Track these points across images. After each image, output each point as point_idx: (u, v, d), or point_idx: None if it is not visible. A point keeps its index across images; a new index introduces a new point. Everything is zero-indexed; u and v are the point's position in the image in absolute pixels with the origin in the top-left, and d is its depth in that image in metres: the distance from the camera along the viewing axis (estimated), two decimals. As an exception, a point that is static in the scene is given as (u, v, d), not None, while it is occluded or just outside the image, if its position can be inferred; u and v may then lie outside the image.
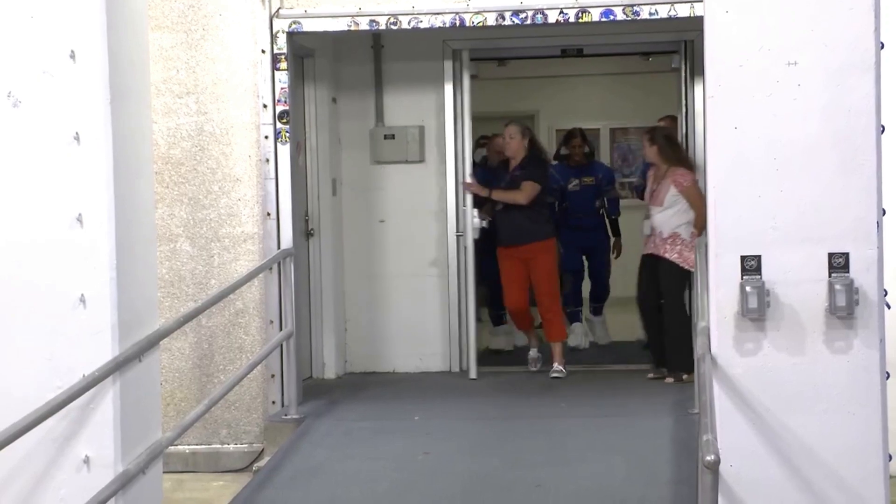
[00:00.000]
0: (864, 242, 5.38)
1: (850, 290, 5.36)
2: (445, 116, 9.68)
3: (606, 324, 11.15)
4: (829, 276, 5.41)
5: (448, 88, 9.70)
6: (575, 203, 10.77)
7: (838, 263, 5.40)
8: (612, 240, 11.01)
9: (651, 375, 9.13)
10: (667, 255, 8.90)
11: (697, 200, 8.63)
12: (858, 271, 5.39)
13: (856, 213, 5.38)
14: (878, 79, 5.36)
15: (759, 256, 5.44)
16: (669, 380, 8.96)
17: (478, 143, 11.27)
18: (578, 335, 10.76)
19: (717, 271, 5.49)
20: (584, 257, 10.94)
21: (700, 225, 8.68)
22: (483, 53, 10.33)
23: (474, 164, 10.19)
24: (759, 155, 5.43)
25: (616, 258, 11.06)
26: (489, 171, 10.38)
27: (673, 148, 9.12)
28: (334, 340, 9.80)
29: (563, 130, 14.93)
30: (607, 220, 11.01)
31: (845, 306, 5.36)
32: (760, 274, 5.43)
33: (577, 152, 10.87)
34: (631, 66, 13.75)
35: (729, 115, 5.46)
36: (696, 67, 9.46)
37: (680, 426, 7.66)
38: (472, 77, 9.73)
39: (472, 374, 9.42)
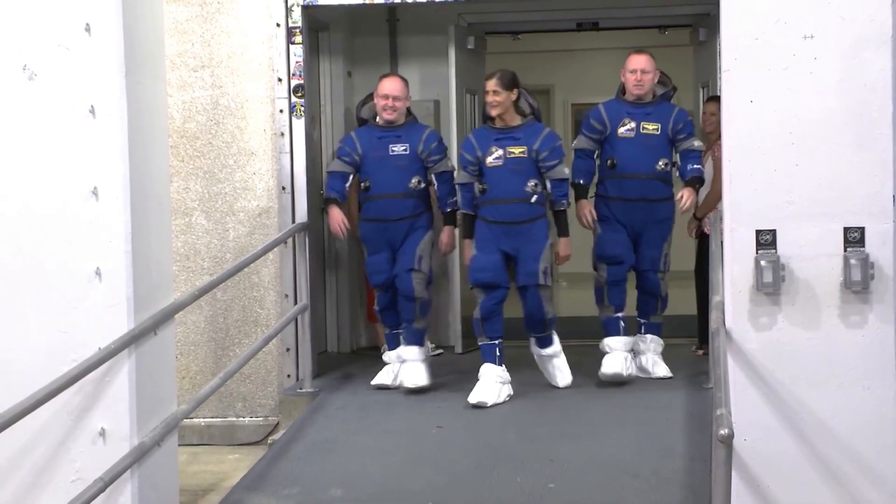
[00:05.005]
0: (879, 217, 5.38)
1: (866, 264, 5.35)
2: (449, 90, 9.55)
3: (555, 362, 8.21)
4: (845, 250, 5.41)
5: (452, 62, 9.46)
6: (494, 184, 7.81)
7: (854, 238, 5.39)
8: (551, 241, 7.84)
9: (701, 352, 8.84)
10: (706, 231, 8.67)
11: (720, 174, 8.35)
12: (874, 245, 5.38)
13: (871, 187, 5.38)
14: (894, 53, 5.33)
15: (774, 231, 5.43)
16: (699, 352, 8.89)
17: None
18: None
19: (731, 245, 5.49)
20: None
21: (710, 202, 8.51)
22: (498, 27, 10.27)
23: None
24: (775, 129, 5.42)
25: (557, 264, 8.04)
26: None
27: None
28: (349, 314, 9.82)
29: (579, 105, 14.91)
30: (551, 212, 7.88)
31: (860, 281, 5.36)
32: (775, 248, 5.43)
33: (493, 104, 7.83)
34: (647, 40, 13.66)
35: (744, 89, 5.45)
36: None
37: (694, 401, 7.65)
38: (471, 50, 9.65)
39: (458, 348, 9.50)
